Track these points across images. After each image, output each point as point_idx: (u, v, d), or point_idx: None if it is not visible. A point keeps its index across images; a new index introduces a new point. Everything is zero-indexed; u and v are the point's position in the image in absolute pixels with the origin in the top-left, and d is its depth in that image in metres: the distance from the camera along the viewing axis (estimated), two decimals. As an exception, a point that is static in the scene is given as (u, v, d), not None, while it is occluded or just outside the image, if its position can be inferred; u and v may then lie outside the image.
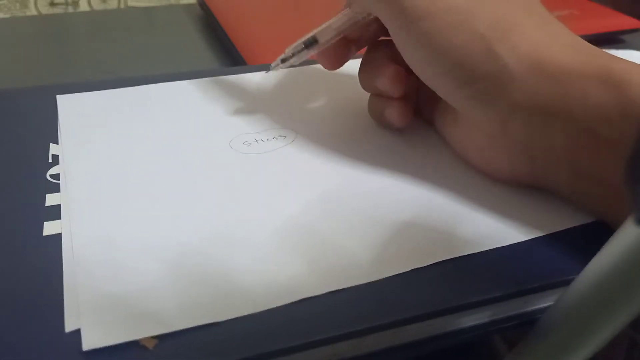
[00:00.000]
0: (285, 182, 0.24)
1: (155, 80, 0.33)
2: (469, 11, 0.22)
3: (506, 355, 0.19)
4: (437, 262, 0.20)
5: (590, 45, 0.22)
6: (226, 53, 0.45)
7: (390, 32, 0.24)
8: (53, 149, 0.26)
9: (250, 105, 0.30)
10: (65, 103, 0.30)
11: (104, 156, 0.26)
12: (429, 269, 0.20)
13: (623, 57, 0.21)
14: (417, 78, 0.28)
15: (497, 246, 0.21)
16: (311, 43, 0.27)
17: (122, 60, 0.45)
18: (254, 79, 0.33)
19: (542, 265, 0.20)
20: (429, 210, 0.22)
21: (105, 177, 0.24)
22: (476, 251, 0.20)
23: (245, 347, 0.17)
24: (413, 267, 0.19)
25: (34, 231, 0.21)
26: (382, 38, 0.28)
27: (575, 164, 0.21)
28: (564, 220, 0.22)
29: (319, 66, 0.29)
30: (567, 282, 0.17)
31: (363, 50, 0.29)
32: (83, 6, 0.64)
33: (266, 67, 0.29)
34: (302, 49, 0.27)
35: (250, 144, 0.27)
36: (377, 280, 0.19)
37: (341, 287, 0.19)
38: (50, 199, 0.23)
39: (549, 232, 0.21)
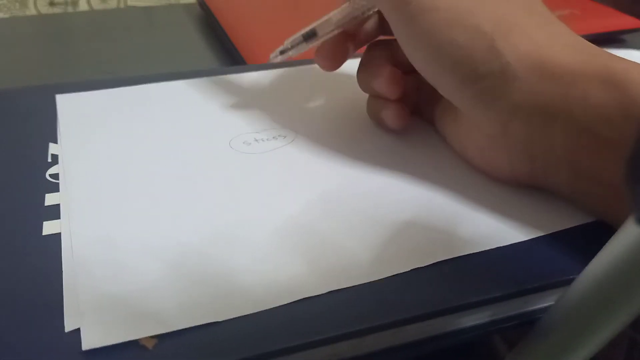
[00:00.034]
0: (285, 182, 0.24)
1: (155, 79, 0.33)
2: (470, 10, 0.22)
3: (506, 355, 0.19)
4: (437, 262, 0.20)
5: (592, 45, 0.22)
6: (226, 53, 0.45)
7: (392, 27, 0.24)
8: (52, 148, 0.26)
9: (250, 105, 0.30)
10: (65, 103, 0.30)
11: (103, 156, 0.26)
12: (429, 269, 0.20)
13: (623, 57, 0.21)
14: (417, 78, 0.28)
15: (497, 246, 0.21)
16: (310, 36, 0.27)
17: (122, 60, 0.45)
18: (254, 78, 0.33)
19: (542, 265, 0.20)
20: (429, 210, 0.22)
21: (105, 177, 0.24)
22: (476, 251, 0.20)
23: (245, 347, 0.17)
24: (413, 267, 0.19)
25: (33, 231, 0.21)
26: (380, 38, 0.28)
27: (575, 164, 0.21)
28: (564, 220, 0.22)
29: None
30: (567, 282, 0.17)
31: (362, 49, 0.29)
32: (82, 6, 0.64)
33: (266, 67, 0.29)
34: (301, 42, 0.28)
35: (250, 143, 0.27)
36: (377, 280, 0.19)
37: (341, 287, 0.19)
38: (50, 199, 0.23)
39: (549, 232, 0.21)
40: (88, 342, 0.16)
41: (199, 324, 0.17)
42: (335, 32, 0.27)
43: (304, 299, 0.18)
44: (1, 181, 0.24)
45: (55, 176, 0.24)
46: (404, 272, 0.19)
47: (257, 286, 0.19)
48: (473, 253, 0.20)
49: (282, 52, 0.28)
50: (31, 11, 0.63)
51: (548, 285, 0.19)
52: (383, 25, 0.28)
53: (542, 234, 0.21)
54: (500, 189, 0.24)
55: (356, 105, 0.30)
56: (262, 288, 0.18)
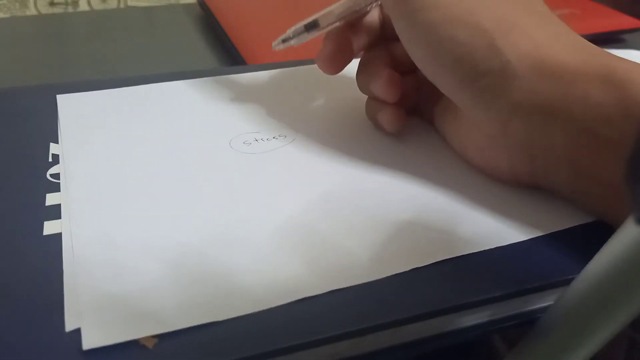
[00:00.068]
0: (285, 181, 0.24)
1: (155, 80, 0.33)
2: (470, 8, 0.22)
3: (506, 355, 0.19)
4: (437, 262, 0.20)
5: (592, 44, 0.22)
6: (226, 53, 0.45)
7: (393, 21, 0.24)
8: (53, 148, 0.26)
9: (250, 105, 0.30)
10: (66, 102, 0.30)
11: (104, 156, 0.26)
12: (429, 268, 0.20)
13: (623, 57, 0.21)
14: (417, 77, 0.28)
15: (497, 246, 0.21)
16: (312, 27, 0.28)
17: (122, 60, 0.45)
18: (254, 78, 0.33)
19: (542, 265, 0.20)
20: (429, 210, 0.22)
21: (105, 177, 0.24)
22: (476, 251, 0.20)
23: (245, 347, 0.17)
24: (413, 267, 0.19)
25: (34, 231, 0.21)
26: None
27: (575, 163, 0.21)
28: (564, 220, 0.22)
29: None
30: (567, 282, 0.17)
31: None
32: (83, 6, 0.64)
33: (266, 67, 0.29)
34: (303, 32, 0.28)
35: (250, 143, 0.27)
36: (377, 280, 0.19)
37: (341, 287, 0.19)
38: (51, 199, 0.23)
39: (549, 232, 0.21)
40: (88, 342, 0.16)
41: (199, 323, 0.17)
42: (337, 24, 0.27)
43: (304, 298, 0.18)
44: (2, 181, 0.24)
45: (56, 176, 0.24)
46: (403, 272, 0.19)
47: (257, 286, 0.19)
48: (473, 253, 0.20)
49: (284, 41, 0.28)
50: (31, 11, 0.63)
51: (548, 285, 0.19)
52: (384, 27, 0.28)
53: (542, 233, 0.21)
54: (500, 189, 0.24)
55: (356, 105, 0.30)
56: (262, 288, 0.18)
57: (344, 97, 0.31)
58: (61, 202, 0.23)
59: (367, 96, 0.29)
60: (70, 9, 0.63)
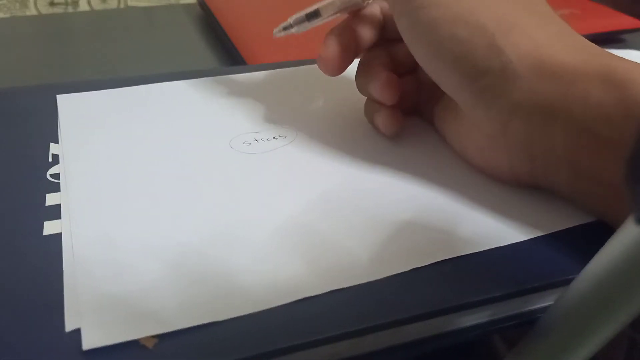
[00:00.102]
0: (285, 181, 0.24)
1: (155, 80, 0.33)
2: (471, 8, 0.22)
3: (506, 355, 0.19)
4: (437, 262, 0.20)
5: (592, 44, 0.22)
6: (226, 53, 0.45)
7: (395, 19, 0.24)
8: (53, 148, 0.26)
9: (250, 105, 0.30)
10: (66, 102, 0.30)
11: (104, 156, 0.26)
12: (429, 268, 0.20)
13: (623, 57, 0.21)
14: (417, 78, 0.28)
15: (497, 246, 0.21)
16: (313, 16, 0.28)
17: (122, 60, 0.45)
18: (254, 78, 0.33)
19: (542, 265, 0.20)
20: (429, 210, 0.22)
21: (105, 177, 0.24)
22: (476, 251, 0.20)
23: (245, 347, 0.17)
24: (413, 267, 0.19)
25: (34, 231, 0.21)
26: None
27: (575, 163, 0.21)
28: (564, 220, 0.22)
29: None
30: (567, 282, 0.17)
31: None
32: (83, 6, 0.64)
33: (266, 67, 0.29)
34: (304, 20, 0.28)
35: (250, 143, 0.27)
36: (377, 280, 0.19)
37: (341, 287, 0.19)
38: (51, 199, 0.23)
39: (549, 232, 0.21)
40: (88, 342, 0.16)
41: (199, 323, 0.17)
42: (338, 15, 0.27)
43: (304, 298, 0.18)
44: (2, 181, 0.24)
45: (56, 176, 0.24)
46: (403, 272, 0.19)
47: (257, 286, 0.19)
48: (473, 253, 0.20)
49: (284, 28, 0.29)
50: (31, 11, 0.63)
51: (548, 285, 0.19)
52: (386, 27, 0.28)
53: (542, 233, 0.21)
54: (500, 189, 0.24)
55: (356, 105, 0.30)
56: (262, 288, 0.18)
57: (344, 97, 0.31)
58: (61, 202, 0.23)
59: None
60: (70, 9, 0.63)
